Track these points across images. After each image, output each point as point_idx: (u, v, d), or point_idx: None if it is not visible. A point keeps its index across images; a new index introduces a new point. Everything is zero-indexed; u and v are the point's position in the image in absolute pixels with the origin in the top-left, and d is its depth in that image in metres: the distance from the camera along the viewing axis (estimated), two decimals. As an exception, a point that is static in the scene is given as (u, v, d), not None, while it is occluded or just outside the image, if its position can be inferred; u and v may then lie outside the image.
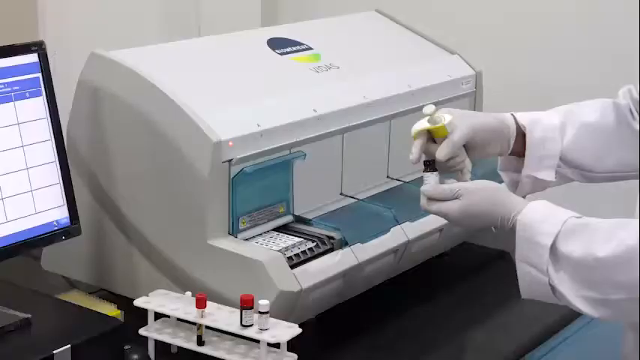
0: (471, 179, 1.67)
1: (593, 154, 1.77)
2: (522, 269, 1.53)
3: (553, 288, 1.50)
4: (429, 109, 1.64)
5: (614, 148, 1.77)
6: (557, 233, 1.49)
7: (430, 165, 1.65)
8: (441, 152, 1.64)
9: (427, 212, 1.63)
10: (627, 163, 1.76)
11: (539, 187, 1.79)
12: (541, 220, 1.52)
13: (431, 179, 1.64)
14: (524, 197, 1.65)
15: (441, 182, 1.64)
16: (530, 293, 1.54)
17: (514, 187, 1.80)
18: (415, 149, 1.65)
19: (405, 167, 2.16)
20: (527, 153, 1.75)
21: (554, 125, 1.77)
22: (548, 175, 1.76)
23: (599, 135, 1.77)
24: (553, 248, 1.49)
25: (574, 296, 1.48)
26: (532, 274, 1.51)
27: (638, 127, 1.75)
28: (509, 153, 1.77)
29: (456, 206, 1.59)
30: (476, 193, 1.60)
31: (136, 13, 2.82)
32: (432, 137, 1.67)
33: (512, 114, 1.77)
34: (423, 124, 1.65)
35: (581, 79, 2.71)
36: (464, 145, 1.67)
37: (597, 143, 1.77)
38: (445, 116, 1.66)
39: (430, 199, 1.62)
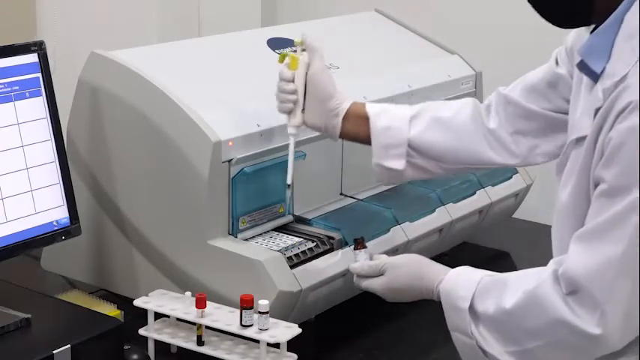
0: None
1: (443, 147, 1.80)
2: (455, 338, 1.53)
3: (483, 351, 1.49)
4: (298, 39, 1.82)
5: (466, 142, 1.81)
6: (472, 295, 1.50)
7: (360, 242, 1.73)
8: (284, 74, 1.81)
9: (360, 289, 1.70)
10: (480, 158, 1.81)
11: (394, 177, 1.84)
12: (460, 285, 1.53)
13: (360, 256, 1.71)
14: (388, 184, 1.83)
15: (372, 258, 1.70)
16: None
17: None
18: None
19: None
20: (372, 141, 1.81)
21: (404, 115, 1.82)
22: (397, 164, 1.81)
23: (450, 129, 1.81)
24: (472, 310, 1.49)
25: (501, 353, 1.47)
26: (463, 340, 1.51)
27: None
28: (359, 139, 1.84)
29: (381, 282, 1.65)
30: (399, 268, 1.64)
31: (136, 13, 2.82)
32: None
33: (365, 103, 1.84)
34: (289, 51, 1.85)
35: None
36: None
37: (448, 137, 1.80)
38: (305, 54, 1.82)
39: (359, 275, 1.68)
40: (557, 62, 1.76)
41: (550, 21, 1.51)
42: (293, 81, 1.82)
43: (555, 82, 1.76)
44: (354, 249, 1.73)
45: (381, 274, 1.65)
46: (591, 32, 1.46)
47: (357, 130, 1.83)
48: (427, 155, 1.81)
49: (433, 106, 1.84)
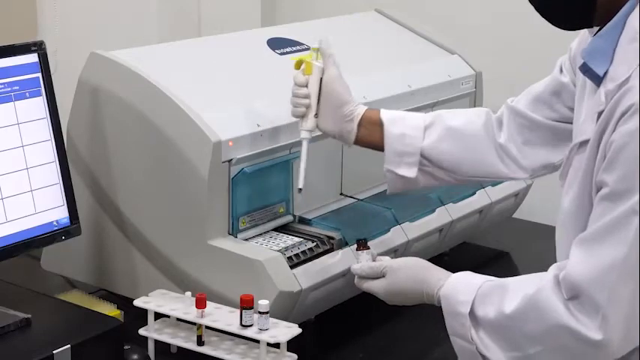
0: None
1: (455, 158, 1.81)
2: (455, 344, 1.52)
3: (484, 356, 1.48)
4: (315, 45, 1.83)
5: (477, 155, 1.81)
6: (473, 300, 1.49)
7: (362, 244, 1.72)
8: (298, 79, 1.83)
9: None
10: (489, 170, 1.82)
11: (406, 184, 1.83)
12: (460, 291, 1.52)
13: (362, 257, 1.70)
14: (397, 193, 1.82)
15: (374, 260, 1.70)
16: None
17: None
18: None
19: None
20: (385, 147, 1.81)
21: (418, 124, 1.82)
22: (409, 172, 1.81)
23: (462, 140, 1.81)
24: (472, 315, 1.49)
25: (502, 359, 1.46)
26: (463, 346, 1.50)
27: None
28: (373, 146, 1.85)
29: (381, 284, 1.64)
30: (400, 271, 1.63)
31: (136, 13, 2.82)
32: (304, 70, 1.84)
33: (380, 109, 1.84)
34: (305, 55, 1.85)
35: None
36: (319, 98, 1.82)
37: (460, 148, 1.81)
38: (319, 61, 1.83)
39: (360, 277, 1.67)
40: (561, 70, 1.77)
41: (552, 22, 1.51)
42: (306, 86, 1.82)
43: (559, 91, 1.76)
44: (357, 249, 1.72)
45: (382, 277, 1.64)
46: (594, 35, 1.46)
47: (370, 136, 1.83)
48: (439, 165, 1.81)
49: (447, 116, 1.84)
